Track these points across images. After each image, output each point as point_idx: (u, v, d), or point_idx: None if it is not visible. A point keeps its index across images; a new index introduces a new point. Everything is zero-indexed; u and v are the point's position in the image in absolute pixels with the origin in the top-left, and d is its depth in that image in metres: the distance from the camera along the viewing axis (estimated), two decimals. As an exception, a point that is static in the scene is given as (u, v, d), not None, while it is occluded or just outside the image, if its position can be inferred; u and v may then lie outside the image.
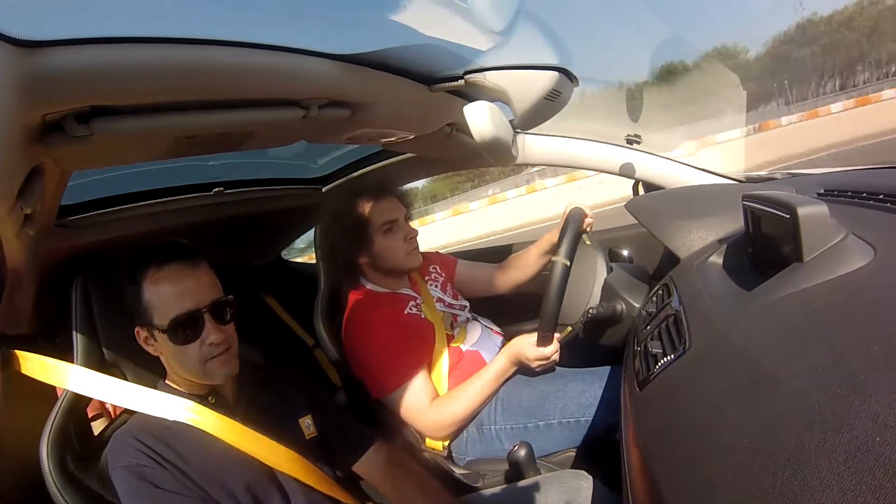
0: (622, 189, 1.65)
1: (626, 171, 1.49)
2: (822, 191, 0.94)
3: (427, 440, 1.14)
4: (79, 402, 0.82)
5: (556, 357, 1.08)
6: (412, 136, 1.14)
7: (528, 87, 0.87)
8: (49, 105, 0.49)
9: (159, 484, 0.72)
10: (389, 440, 0.99)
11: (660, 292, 0.86)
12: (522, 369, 1.14)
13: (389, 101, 0.91)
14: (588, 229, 1.21)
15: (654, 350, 0.66)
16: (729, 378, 0.49)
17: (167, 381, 0.83)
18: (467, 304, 1.36)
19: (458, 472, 1.06)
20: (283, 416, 0.88)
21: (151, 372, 0.86)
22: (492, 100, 0.91)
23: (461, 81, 0.87)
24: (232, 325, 0.82)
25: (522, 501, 0.90)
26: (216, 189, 1.28)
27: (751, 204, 0.70)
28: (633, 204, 1.19)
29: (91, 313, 0.85)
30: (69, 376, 0.79)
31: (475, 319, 1.32)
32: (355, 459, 0.93)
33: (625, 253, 1.62)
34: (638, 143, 1.48)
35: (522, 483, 0.95)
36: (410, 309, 1.21)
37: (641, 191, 1.55)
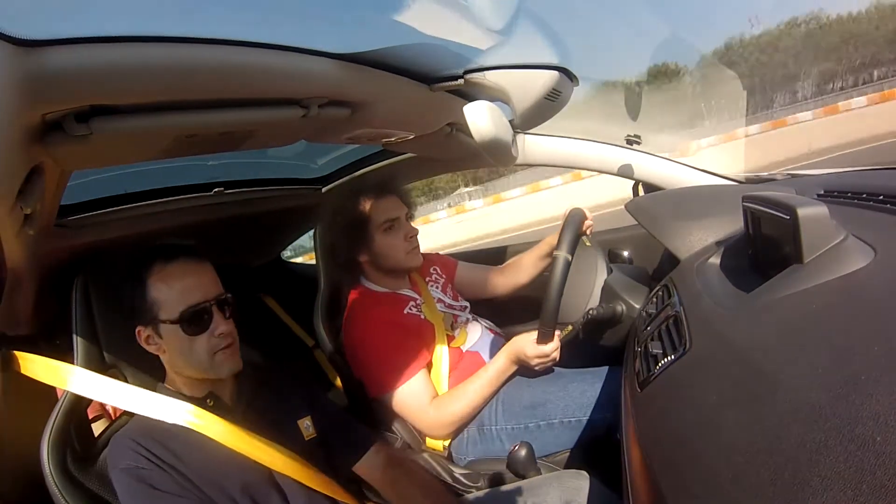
0: (622, 189, 1.64)
1: (625, 172, 1.48)
2: (822, 192, 0.94)
3: (427, 440, 1.14)
4: (79, 403, 0.82)
5: (555, 355, 1.08)
6: (412, 136, 1.14)
7: (528, 86, 0.86)
8: (49, 104, 0.49)
9: (158, 486, 0.72)
10: (389, 441, 0.99)
11: (660, 293, 0.86)
12: (522, 369, 1.13)
13: (389, 100, 0.90)
14: (588, 231, 1.21)
15: (655, 351, 0.66)
16: (729, 378, 0.49)
17: (166, 384, 0.84)
18: (467, 304, 1.36)
19: (458, 472, 1.06)
20: (283, 417, 0.88)
21: (151, 374, 0.86)
22: (492, 99, 0.90)
23: (461, 81, 0.87)
24: (232, 321, 0.83)
25: (523, 501, 0.90)
26: (216, 189, 1.28)
27: (751, 205, 0.70)
28: (632, 205, 1.19)
29: (91, 314, 0.85)
30: (69, 377, 0.79)
31: (475, 320, 1.32)
32: (355, 460, 0.93)
33: (625, 254, 1.62)
34: (638, 143, 1.47)
35: (523, 483, 0.95)
36: (410, 309, 1.21)
37: (641, 191, 1.55)
